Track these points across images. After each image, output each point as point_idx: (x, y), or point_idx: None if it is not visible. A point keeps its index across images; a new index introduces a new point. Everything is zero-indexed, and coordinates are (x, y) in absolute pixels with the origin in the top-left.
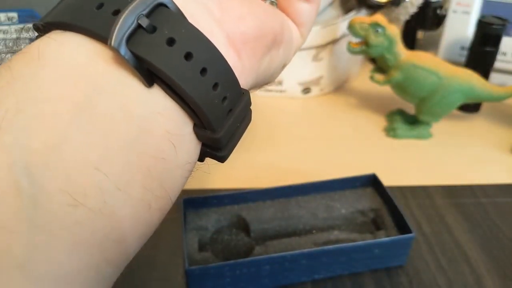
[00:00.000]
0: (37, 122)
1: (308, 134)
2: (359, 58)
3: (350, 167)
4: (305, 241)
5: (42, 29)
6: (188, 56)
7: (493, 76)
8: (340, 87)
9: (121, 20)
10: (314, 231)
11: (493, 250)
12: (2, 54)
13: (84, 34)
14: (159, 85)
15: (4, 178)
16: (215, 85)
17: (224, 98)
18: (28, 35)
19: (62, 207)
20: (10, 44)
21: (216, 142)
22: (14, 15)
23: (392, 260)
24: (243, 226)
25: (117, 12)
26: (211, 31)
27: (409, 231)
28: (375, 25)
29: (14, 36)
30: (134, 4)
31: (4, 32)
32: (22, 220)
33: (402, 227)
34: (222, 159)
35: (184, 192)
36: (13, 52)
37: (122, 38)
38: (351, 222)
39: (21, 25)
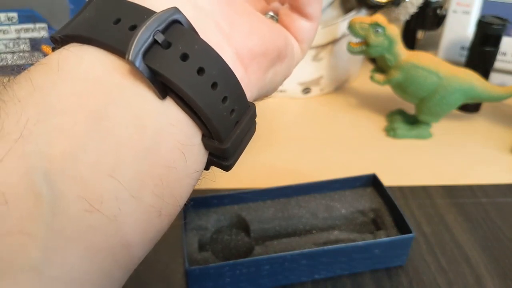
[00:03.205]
0: (56, 132)
1: (308, 134)
2: (359, 58)
3: (350, 167)
4: (305, 241)
5: (60, 41)
6: (200, 71)
7: (493, 76)
8: (340, 87)
9: (138, 35)
10: (314, 231)
11: (493, 250)
12: (2, 54)
13: (101, 48)
14: (172, 97)
15: (24, 183)
16: (225, 99)
17: (232, 110)
18: (28, 35)
19: (78, 213)
20: (10, 44)
21: (223, 152)
22: (14, 15)
23: (392, 260)
24: (243, 226)
25: (133, 28)
26: (221, 46)
27: (409, 231)
28: (375, 25)
29: (14, 36)
30: (150, 20)
31: (4, 32)
32: (40, 224)
33: (402, 227)
34: (227, 168)
35: None
36: (13, 52)
37: (138, 53)
38: (351, 222)
39: (20, 25)
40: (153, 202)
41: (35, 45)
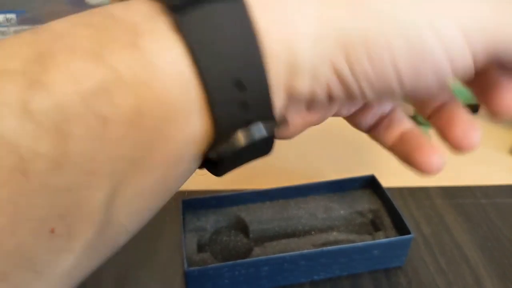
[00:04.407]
0: None
1: (307, 134)
2: None
3: (349, 167)
4: (304, 242)
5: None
6: None
7: None
8: None
9: (243, 136)
10: (313, 232)
11: (492, 251)
12: None
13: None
14: None
15: None
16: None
17: None
18: None
19: None
20: None
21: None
22: (12, 16)
23: (391, 261)
24: (242, 227)
25: (245, 106)
26: None
27: (408, 232)
28: None
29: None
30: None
31: (3, 33)
32: None
33: (401, 228)
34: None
35: (183, 193)
36: None
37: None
38: (350, 223)
39: (19, 27)
40: None
41: None
